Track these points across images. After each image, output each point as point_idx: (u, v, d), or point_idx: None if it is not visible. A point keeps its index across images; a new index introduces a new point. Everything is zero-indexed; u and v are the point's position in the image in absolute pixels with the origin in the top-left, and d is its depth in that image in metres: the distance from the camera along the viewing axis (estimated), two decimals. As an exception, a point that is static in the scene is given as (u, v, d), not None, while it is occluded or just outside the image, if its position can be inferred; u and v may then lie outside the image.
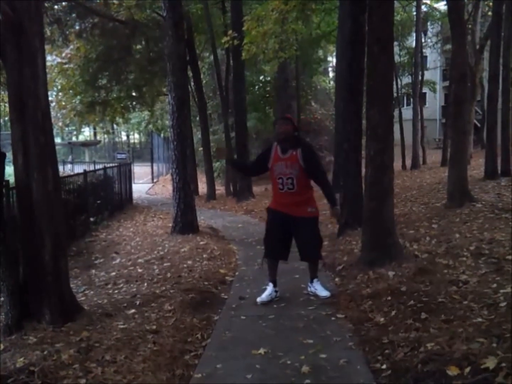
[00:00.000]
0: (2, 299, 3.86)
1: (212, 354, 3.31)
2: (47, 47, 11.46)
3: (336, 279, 5.01)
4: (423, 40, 22.05)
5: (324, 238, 6.97)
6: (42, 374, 2.89)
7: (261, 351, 3.26)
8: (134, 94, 17.29)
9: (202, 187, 16.58)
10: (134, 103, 18.27)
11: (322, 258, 4.68)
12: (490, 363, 2.46)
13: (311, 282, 4.53)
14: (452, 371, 2.53)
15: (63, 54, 15.36)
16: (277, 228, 4.39)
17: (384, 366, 2.88)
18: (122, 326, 3.73)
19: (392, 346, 3.07)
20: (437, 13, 21.98)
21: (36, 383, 2.82)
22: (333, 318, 3.89)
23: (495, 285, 3.73)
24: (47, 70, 4.14)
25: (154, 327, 3.72)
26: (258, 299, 4.34)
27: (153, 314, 4.04)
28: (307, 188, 4.40)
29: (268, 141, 24.10)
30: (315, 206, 4.43)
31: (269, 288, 4.44)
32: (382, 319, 3.58)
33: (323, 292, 4.39)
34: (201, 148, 18.11)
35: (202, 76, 18.70)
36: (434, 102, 32.01)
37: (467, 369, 2.50)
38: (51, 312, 3.83)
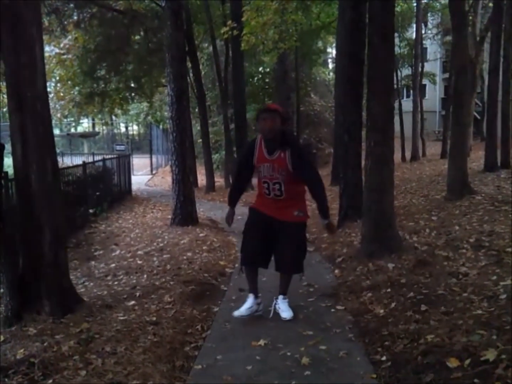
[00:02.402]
0: (1, 290, 3.86)
1: (212, 346, 3.32)
2: (45, 37, 11.37)
3: (336, 271, 5.02)
4: (423, 32, 21.94)
5: (324, 230, 7.03)
6: (42, 366, 2.89)
7: (261, 342, 3.27)
8: (133, 85, 17.18)
9: (202, 179, 16.56)
10: (133, 94, 18.17)
11: (303, 271, 3.90)
12: (490, 355, 2.47)
13: (277, 297, 3.84)
14: (452, 363, 2.53)
15: (61, 45, 15.26)
16: (258, 230, 3.75)
17: (384, 358, 2.88)
18: (122, 318, 3.73)
19: (392, 337, 3.07)
20: (438, 4, 21.86)
21: (37, 374, 2.82)
22: (332, 310, 3.90)
23: (495, 277, 3.74)
24: (45, 61, 4.10)
25: (154, 318, 3.72)
26: (236, 312, 3.70)
27: (153, 305, 4.04)
28: (298, 192, 3.78)
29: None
30: (305, 210, 3.83)
31: (250, 300, 3.77)
32: (382, 311, 3.58)
33: (286, 313, 3.73)
34: (200, 140, 18.07)
35: (201, 67, 18.61)
36: (434, 94, 31.94)
37: (467, 361, 2.50)
38: (50, 303, 3.82)
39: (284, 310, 3.76)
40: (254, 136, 3.97)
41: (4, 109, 17.79)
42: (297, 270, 3.83)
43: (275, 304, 3.84)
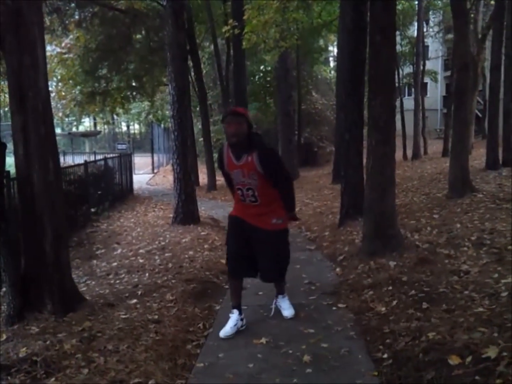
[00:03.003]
0: (4, 289, 3.87)
1: (214, 344, 3.33)
2: (46, 37, 11.37)
3: (337, 269, 5.02)
4: (424, 30, 21.89)
5: (325, 228, 7.05)
6: (45, 364, 2.91)
7: (263, 340, 3.28)
8: (134, 84, 17.19)
9: (203, 178, 16.56)
10: (134, 93, 18.18)
11: (285, 280, 3.85)
12: (491, 352, 2.47)
13: (277, 296, 3.88)
14: (453, 360, 2.54)
15: (63, 44, 15.27)
16: (240, 239, 3.58)
17: (385, 356, 2.89)
18: (124, 316, 3.75)
19: (393, 335, 3.08)
20: (439, 2, 21.81)
21: (39, 372, 2.84)
22: (334, 308, 3.90)
23: (496, 275, 3.74)
24: (46, 60, 4.11)
25: (156, 317, 3.73)
26: (221, 333, 3.47)
27: (154, 304, 4.05)
28: (274, 198, 3.55)
29: (269, 132, 24.09)
30: (283, 216, 3.61)
31: (234, 316, 3.58)
32: (383, 309, 3.59)
33: (288, 311, 3.75)
34: (201, 139, 18.06)
35: (202, 66, 18.60)
36: (435, 92, 31.92)
37: (469, 358, 2.51)
38: (53, 302, 3.84)
39: (285, 308, 3.78)
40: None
41: (6, 109, 17.83)
42: (278, 279, 3.76)
43: (276, 302, 3.86)
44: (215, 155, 19.08)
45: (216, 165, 17.35)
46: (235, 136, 3.33)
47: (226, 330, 3.49)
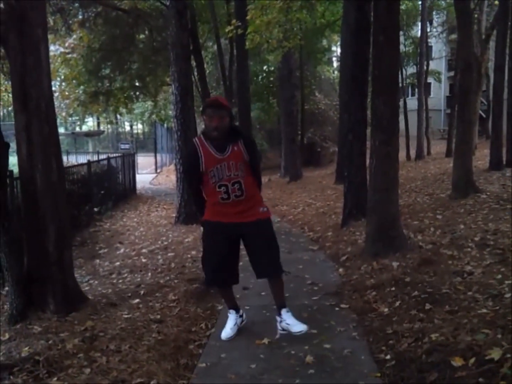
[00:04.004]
0: (6, 288, 3.88)
1: (216, 344, 3.32)
2: (50, 36, 11.39)
3: (340, 270, 5.01)
4: (428, 30, 21.85)
5: (328, 229, 7.04)
6: (47, 363, 2.91)
7: (265, 340, 3.27)
8: (137, 84, 17.19)
9: (206, 178, 16.54)
10: (137, 93, 18.18)
11: (283, 270, 3.41)
12: (495, 354, 2.46)
13: (279, 313, 3.35)
14: (457, 361, 2.53)
15: (66, 44, 15.28)
16: (220, 246, 3.26)
17: (388, 357, 2.88)
18: (126, 316, 3.75)
19: (396, 336, 3.07)
20: (443, 2, 21.77)
21: (41, 372, 2.84)
22: (337, 309, 3.89)
23: (499, 276, 3.72)
24: (50, 60, 4.11)
25: (159, 316, 3.73)
26: (223, 335, 3.37)
27: (157, 304, 4.06)
28: (255, 187, 3.34)
29: (272, 132, 23.99)
30: (264, 204, 3.39)
31: (231, 316, 3.47)
32: (386, 310, 3.58)
33: (297, 327, 3.23)
34: (204, 139, 18.04)
35: (205, 66, 18.58)
36: (439, 92, 31.83)
37: (472, 360, 2.49)
38: (55, 301, 3.85)
39: (293, 324, 3.26)
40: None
41: (9, 108, 17.87)
42: (278, 270, 3.33)
43: (280, 322, 3.33)
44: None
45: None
46: (217, 130, 3.11)
47: (227, 331, 3.40)
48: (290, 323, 3.27)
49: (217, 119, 3.10)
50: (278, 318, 3.36)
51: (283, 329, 3.31)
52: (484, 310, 3.10)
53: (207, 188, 3.26)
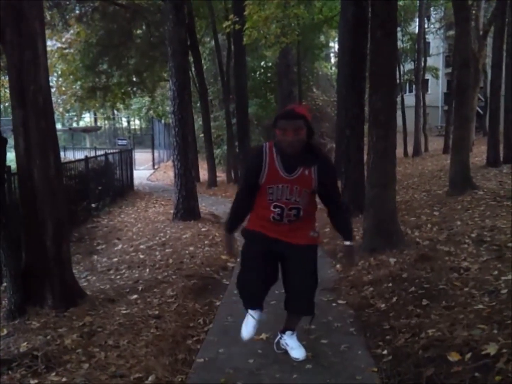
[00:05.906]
0: (4, 284, 3.88)
1: (214, 339, 3.33)
2: (47, 31, 11.34)
3: (337, 266, 5.03)
4: (426, 26, 21.83)
5: (326, 225, 7.01)
6: (46, 359, 2.92)
7: (263, 336, 3.28)
8: (134, 79, 17.15)
9: (203, 174, 16.55)
10: (134, 88, 18.14)
11: (314, 313, 2.90)
12: (491, 349, 2.47)
13: (283, 331, 3.00)
14: (453, 357, 2.54)
15: (63, 39, 15.22)
16: (266, 260, 2.79)
17: (385, 352, 2.90)
18: (124, 311, 3.76)
19: (393, 332, 3.09)
20: (441, -2, 21.71)
21: (40, 367, 2.84)
22: (334, 304, 3.91)
23: (496, 272, 3.74)
24: (47, 55, 4.10)
25: (157, 312, 3.74)
26: (244, 335, 2.98)
27: (155, 299, 4.06)
28: (312, 212, 2.91)
29: (269, 128, 23.84)
30: (315, 228, 2.97)
31: (255, 314, 2.96)
32: (383, 305, 3.60)
33: (297, 352, 2.89)
34: (202, 135, 18.06)
35: (203, 61, 18.56)
36: (436, 89, 31.81)
37: (468, 355, 2.51)
38: (53, 297, 3.85)
39: (294, 347, 2.92)
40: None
41: (7, 104, 17.80)
42: (310, 312, 2.86)
43: (280, 338, 3.04)
44: (216, 151, 19.14)
45: (217, 161, 17.50)
46: (292, 146, 2.52)
47: (249, 331, 2.97)
48: (291, 345, 2.94)
49: (292, 132, 2.50)
50: (279, 334, 3.05)
51: (280, 349, 3.03)
52: (481, 306, 3.12)
53: (260, 199, 2.75)
